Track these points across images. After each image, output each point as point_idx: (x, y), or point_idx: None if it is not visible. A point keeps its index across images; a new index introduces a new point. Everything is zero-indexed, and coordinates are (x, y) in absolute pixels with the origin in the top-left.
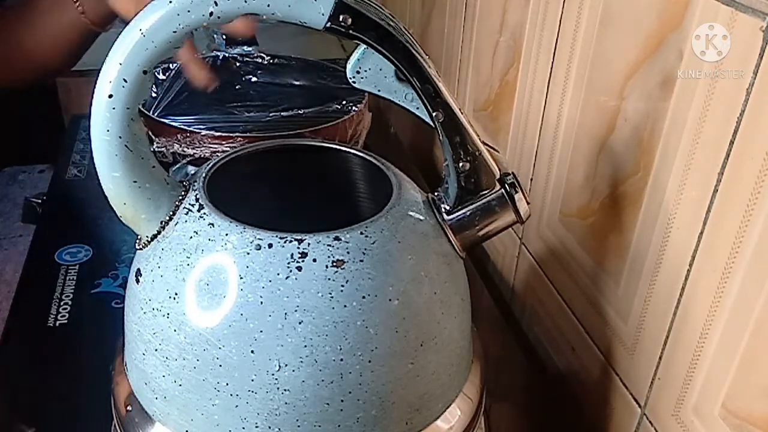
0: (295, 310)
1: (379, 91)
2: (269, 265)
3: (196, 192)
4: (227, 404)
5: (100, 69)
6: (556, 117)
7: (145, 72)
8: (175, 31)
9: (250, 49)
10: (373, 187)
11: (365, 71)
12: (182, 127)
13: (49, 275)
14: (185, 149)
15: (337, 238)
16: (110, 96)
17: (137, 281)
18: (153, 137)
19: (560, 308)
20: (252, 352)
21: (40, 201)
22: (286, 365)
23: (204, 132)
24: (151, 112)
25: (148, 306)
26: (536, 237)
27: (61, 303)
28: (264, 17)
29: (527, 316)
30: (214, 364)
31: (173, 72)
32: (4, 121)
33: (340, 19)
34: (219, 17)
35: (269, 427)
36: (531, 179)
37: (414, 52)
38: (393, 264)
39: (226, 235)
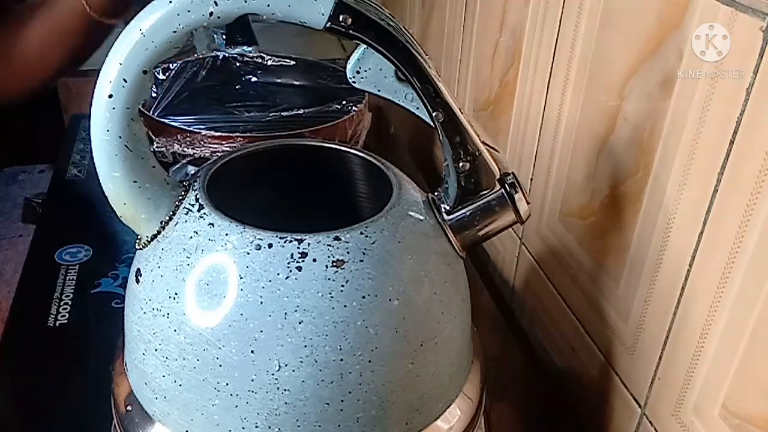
0: (295, 310)
1: (379, 91)
2: (269, 265)
3: (196, 192)
4: (227, 404)
5: (100, 69)
6: (556, 117)
7: (145, 72)
8: (175, 31)
9: (250, 49)
10: (373, 187)
11: (365, 71)
12: (182, 127)
13: (49, 275)
14: (185, 149)
15: (337, 238)
16: (110, 96)
17: (137, 281)
18: (153, 137)
19: (560, 308)
20: (252, 352)
21: (40, 201)
22: (286, 365)
23: (204, 132)
24: (151, 112)
25: (148, 306)
26: (536, 237)
27: (61, 303)
28: (264, 17)
29: (527, 316)
30: (214, 364)
31: (173, 72)
32: (4, 121)
33: (340, 19)
34: (219, 17)
35: (269, 427)
36: (531, 179)
37: (414, 52)
38: (393, 264)
39: (226, 235)
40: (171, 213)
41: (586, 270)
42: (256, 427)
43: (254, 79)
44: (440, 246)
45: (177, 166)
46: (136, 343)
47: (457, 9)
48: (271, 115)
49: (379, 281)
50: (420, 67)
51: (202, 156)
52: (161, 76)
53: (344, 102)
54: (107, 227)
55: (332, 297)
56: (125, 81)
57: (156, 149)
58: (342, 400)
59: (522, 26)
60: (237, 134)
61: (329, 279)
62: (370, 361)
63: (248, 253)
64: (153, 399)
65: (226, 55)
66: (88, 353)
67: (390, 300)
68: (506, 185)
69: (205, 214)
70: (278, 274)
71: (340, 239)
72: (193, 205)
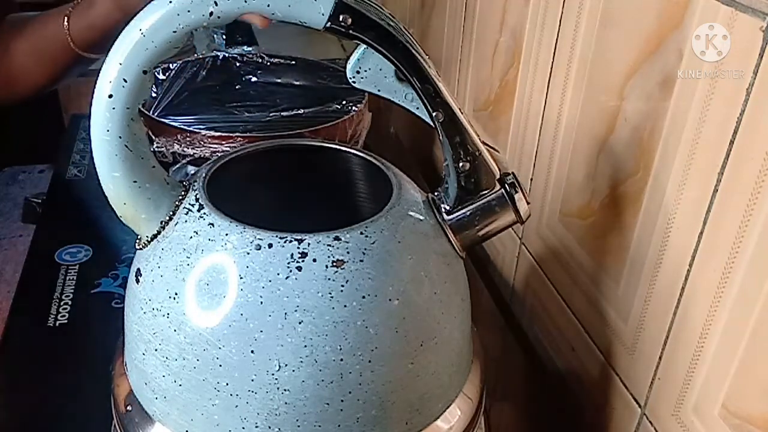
0: (295, 310)
1: (379, 91)
2: (269, 265)
3: (196, 192)
4: (227, 404)
5: (100, 69)
6: (556, 117)
7: (145, 72)
8: (175, 31)
9: (250, 49)
10: (373, 187)
11: (365, 71)
12: (182, 127)
13: (49, 275)
14: (185, 149)
15: (337, 238)
16: (110, 96)
17: (137, 281)
18: (153, 137)
19: (560, 308)
20: (252, 352)
21: (40, 201)
22: (286, 365)
23: (204, 132)
24: (151, 112)
25: (148, 306)
26: (536, 237)
27: (61, 303)
28: (264, 17)
29: (527, 316)
30: (214, 364)
31: (173, 72)
32: (4, 121)
33: (340, 19)
34: (219, 17)
35: (269, 427)
36: (531, 179)
37: (414, 52)
38: (393, 264)
39: (226, 235)
40: (171, 213)
41: (586, 270)
42: (256, 427)
43: (254, 79)
44: (440, 246)
45: (177, 166)
46: (136, 343)
47: (457, 9)
48: (271, 115)
49: (379, 281)
50: (420, 67)
51: (202, 156)
52: (161, 76)
53: (344, 102)
54: (107, 227)
55: (332, 297)
56: (125, 81)
57: (156, 149)
58: (342, 400)
59: (522, 26)
60: (237, 134)
61: (329, 279)
62: (370, 361)
63: (248, 253)
64: (153, 399)
65: (226, 55)
66: (88, 353)
67: (390, 300)
68: (506, 185)
69: (205, 214)
70: (278, 274)
71: (340, 239)
72: (193, 205)
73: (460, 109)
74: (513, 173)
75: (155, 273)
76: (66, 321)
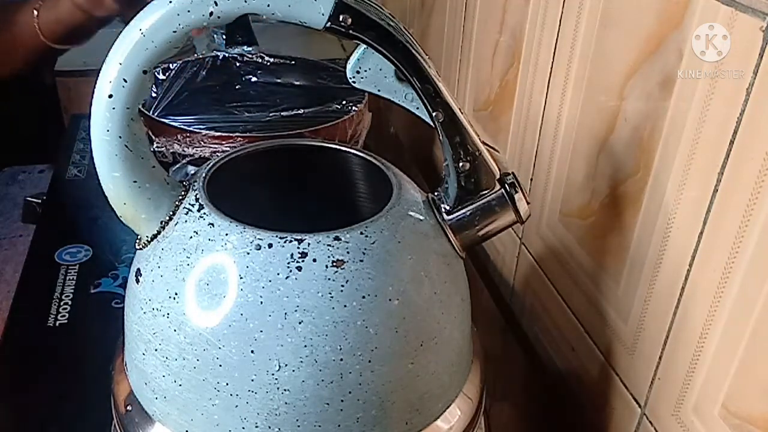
0: (295, 310)
1: (379, 91)
2: (269, 265)
3: (196, 192)
4: (227, 404)
5: (100, 69)
6: (556, 117)
7: (145, 72)
8: (175, 31)
9: (249, 48)
10: (373, 187)
11: (365, 71)
12: (182, 127)
13: (49, 275)
14: (185, 149)
15: (337, 238)
16: (110, 96)
17: (137, 281)
18: (153, 137)
19: (560, 308)
20: (252, 352)
21: (40, 201)
22: (286, 365)
23: (204, 132)
24: (151, 112)
25: (148, 306)
26: (536, 237)
27: (61, 303)
28: (264, 17)
29: (527, 316)
30: (214, 364)
31: (173, 72)
32: (4, 121)
33: (340, 19)
34: (219, 17)
35: (269, 427)
36: (531, 179)
37: (414, 52)
38: (393, 264)
39: (226, 235)
40: (171, 213)
41: (586, 270)
42: (256, 427)
43: (254, 79)
44: (440, 246)
45: (177, 166)
46: (136, 343)
47: (457, 9)
48: (271, 115)
49: (379, 281)
50: (420, 67)
51: (202, 156)
52: (161, 76)
53: (344, 102)
54: (107, 227)
55: (332, 297)
56: (125, 81)
57: (156, 149)
58: (342, 400)
59: (522, 26)
60: (237, 134)
61: (329, 279)
62: (370, 361)
63: (248, 253)
64: (153, 399)
65: (226, 55)
66: (88, 353)
67: (390, 300)
68: (506, 185)
69: (205, 214)
70: (278, 274)
71: (340, 239)
72: (193, 205)
73: (460, 109)
74: (513, 173)
75: (155, 273)
76: (66, 321)
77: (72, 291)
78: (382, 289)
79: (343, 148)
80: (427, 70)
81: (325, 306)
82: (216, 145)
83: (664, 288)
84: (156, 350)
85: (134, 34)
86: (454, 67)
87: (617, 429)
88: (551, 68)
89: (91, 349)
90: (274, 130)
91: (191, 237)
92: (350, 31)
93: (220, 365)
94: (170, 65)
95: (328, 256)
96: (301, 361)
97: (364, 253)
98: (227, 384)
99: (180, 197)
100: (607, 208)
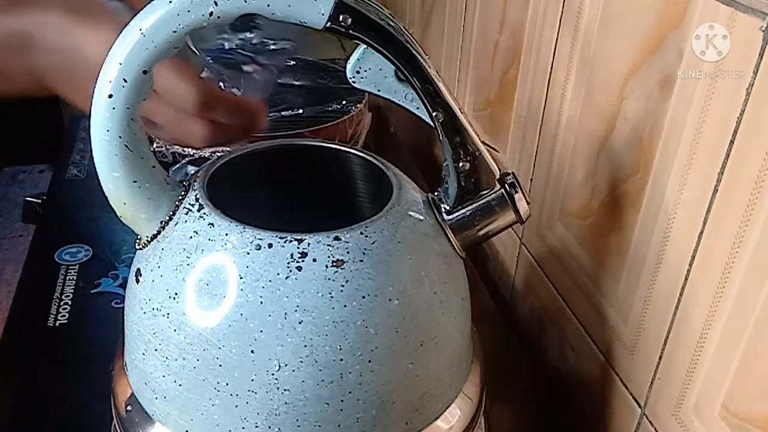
0: (295, 310)
1: (379, 91)
2: (269, 265)
3: (196, 192)
4: (227, 404)
5: (101, 69)
6: (556, 117)
7: (145, 72)
8: (175, 31)
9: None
10: (373, 187)
11: (365, 71)
12: None
13: (49, 275)
14: (185, 149)
15: (337, 238)
16: (110, 96)
17: (137, 281)
18: (153, 137)
19: (560, 308)
20: (252, 352)
21: (40, 201)
22: (286, 365)
23: None
24: None
25: (148, 306)
26: (536, 237)
27: (61, 303)
28: (264, 17)
29: (527, 316)
30: (214, 364)
31: None
32: (4, 121)
33: (340, 19)
34: (219, 17)
35: (269, 427)
36: (531, 179)
37: (414, 52)
38: (393, 264)
39: (226, 235)
40: (171, 213)
41: (586, 270)
42: (256, 427)
43: None
44: (440, 246)
45: (177, 166)
46: (136, 343)
47: (457, 9)
48: (271, 115)
49: (379, 281)
50: (420, 67)
51: (202, 156)
52: None
53: (344, 102)
54: (107, 227)
55: (332, 297)
56: (125, 81)
57: (156, 149)
58: (342, 400)
59: (522, 26)
60: None
61: (329, 279)
62: (370, 361)
63: (248, 253)
64: (153, 399)
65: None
66: (88, 353)
67: (390, 300)
68: (506, 185)
69: (205, 214)
70: (278, 274)
71: (340, 239)
72: (193, 205)
73: (460, 109)
74: (513, 173)
75: (155, 273)
76: (66, 321)
77: (72, 291)
78: (382, 289)
79: (343, 148)
80: (427, 70)
81: (325, 306)
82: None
83: (664, 288)
84: (156, 350)
85: (134, 34)
86: (454, 67)
87: (617, 429)
88: (551, 68)
89: (91, 349)
90: (274, 130)
91: (191, 237)
92: (350, 31)
93: (220, 365)
94: None
95: (328, 256)
96: (301, 361)
97: (364, 253)
98: (227, 384)
99: (180, 197)
100: (607, 208)
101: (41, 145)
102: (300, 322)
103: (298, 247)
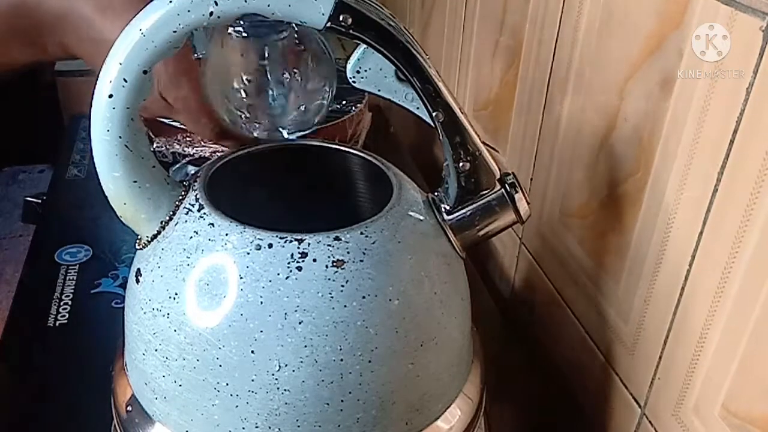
0: (295, 310)
1: (379, 91)
2: (269, 265)
3: (196, 192)
4: (227, 404)
5: (100, 69)
6: (556, 117)
7: (145, 72)
8: (175, 31)
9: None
10: (373, 187)
11: (365, 71)
12: (182, 127)
13: (49, 275)
14: (185, 149)
15: (337, 238)
16: (110, 96)
17: (137, 281)
18: (153, 137)
19: (560, 308)
20: (252, 352)
21: (40, 201)
22: (286, 365)
23: None
24: None
25: (148, 306)
26: (536, 237)
27: (61, 303)
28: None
29: (527, 316)
30: (214, 364)
31: None
32: (4, 121)
33: (340, 19)
34: (219, 17)
35: (269, 427)
36: (531, 179)
37: (414, 52)
38: (393, 264)
39: (226, 235)
40: (171, 213)
41: (586, 270)
42: (256, 427)
43: None
44: (440, 246)
45: (177, 166)
46: (136, 344)
47: (457, 9)
48: None
49: (379, 281)
50: (420, 67)
51: (202, 156)
52: None
53: (344, 102)
54: (107, 227)
55: (332, 297)
56: (125, 81)
57: (156, 149)
58: (342, 400)
59: (522, 26)
60: None
61: (329, 279)
62: (370, 361)
63: (248, 253)
64: (153, 399)
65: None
66: (88, 353)
67: (390, 300)
68: (506, 185)
69: (205, 214)
70: (278, 274)
71: (340, 239)
72: (193, 205)
73: (460, 109)
74: (513, 173)
75: (155, 273)
76: (66, 321)
77: (72, 291)
78: (382, 289)
79: (343, 148)
80: (427, 70)
81: (325, 306)
82: (216, 145)
83: (664, 288)
84: (156, 350)
85: (134, 34)
86: (454, 67)
87: (617, 429)
88: (551, 68)
89: (91, 349)
90: None
91: (191, 237)
92: (350, 31)
93: (220, 365)
94: None
95: (328, 256)
96: (301, 361)
97: (364, 253)
98: (227, 384)
99: (180, 197)
100: (607, 208)
101: (41, 145)
102: (300, 323)
103: (298, 247)
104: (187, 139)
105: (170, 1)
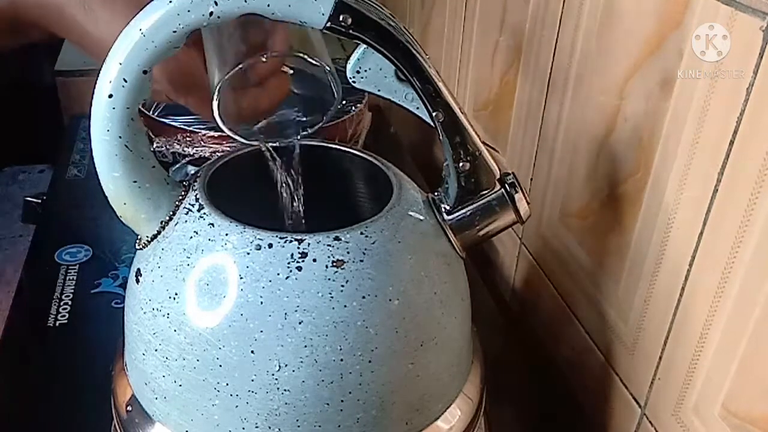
0: (295, 310)
1: (379, 91)
2: (269, 265)
3: (196, 192)
4: (227, 404)
5: (100, 69)
6: (556, 117)
7: (145, 72)
8: (175, 31)
9: None
10: (373, 187)
11: (365, 71)
12: (182, 127)
13: (49, 275)
14: (185, 149)
15: (337, 238)
16: (110, 96)
17: (137, 281)
18: (153, 137)
19: (560, 308)
20: (252, 352)
21: (40, 201)
22: (286, 365)
23: (204, 132)
24: (151, 112)
25: (148, 306)
26: (536, 237)
27: (61, 303)
28: (264, 17)
29: (527, 316)
30: (214, 364)
31: None
32: (4, 121)
33: (340, 19)
34: (219, 17)
35: (269, 427)
36: (531, 179)
37: (414, 52)
38: (393, 264)
39: (226, 235)
40: (171, 213)
41: (586, 270)
42: (256, 427)
43: None
44: (440, 246)
45: (177, 166)
46: (136, 344)
47: (457, 9)
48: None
49: (379, 281)
50: (420, 67)
51: (202, 156)
52: None
53: (344, 102)
54: (107, 227)
55: (332, 297)
56: (125, 81)
57: (156, 149)
58: (342, 401)
59: (522, 26)
60: None
61: (329, 279)
62: (370, 361)
63: (248, 253)
64: (153, 399)
65: None
66: (88, 353)
67: (390, 300)
68: (506, 185)
69: (205, 214)
70: (278, 274)
71: (340, 239)
72: (193, 205)
73: (460, 109)
74: (513, 173)
75: (155, 273)
76: (66, 321)
77: (72, 291)
78: (382, 289)
79: (343, 148)
80: (427, 70)
81: (325, 306)
82: (216, 145)
83: (664, 288)
84: (156, 350)
85: (134, 34)
86: (454, 67)
87: (617, 429)
88: (551, 68)
89: (91, 349)
90: None
91: (191, 237)
92: (350, 31)
93: (220, 365)
94: None
95: (328, 256)
96: (301, 361)
97: (364, 253)
98: (227, 384)
99: (180, 197)
100: (607, 208)
101: (41, 145)
102: (300, 323)
103: (298, 247)
104: (187, 139)
105: (170, 1)
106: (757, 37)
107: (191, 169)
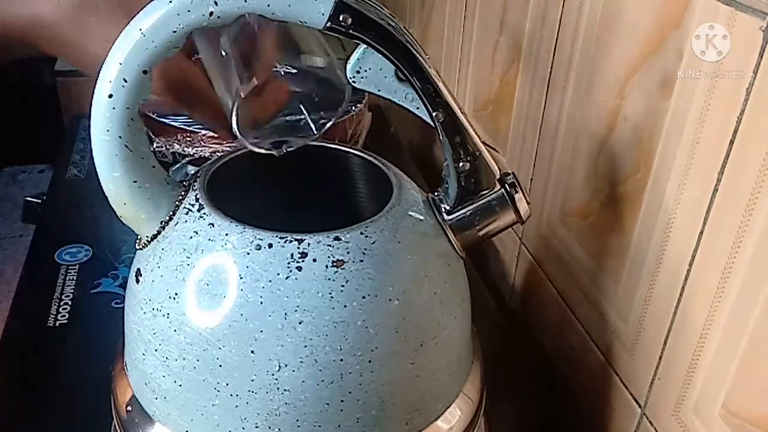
0: (295, 310)
1: (379, 91)
2: (269, 265)
3: (196, 192)
4: (227, 404)
5: (101, 69)
6: (556, 117)
7: (145, 72)
8: (175, 31)
9: None
10: (373, 187)
11: (365, 71)
12: (182, 127)
13: (49, 275)
14: (185, 149)
15: (337, 238)
16: (110, 96)
17: (137, 281)
18: (153, 137)
19: (560, 308)
20: (252, 352)
21: (40, 201)
22: (286, 365)
23: (204, 132)
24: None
25: (148, 306)
26: (536, 237)
27: (61, 303)
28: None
29: (527, 316)
30: (214, 364)
31: None
32: (4, 121)
33: (340, 19)
34: (219, 17)
35: (269, 427)
36: (531, 179)
37: (414, 52)
38: (393, 264)
39: (226, 235)
40: (171, 213)
41: (586, 270)
42: (256, 427)
43: None
44: (440, 246)
45: (177, 166)
46: (136, 344)
47: (457, 9)
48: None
49: (379, 281)
50: (420, 67)
51: (202, 156)
52: None
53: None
54: (107, 227)
55: (332, 297)
56: (125, 81)
57: (156, 149)
58: (342, 401)
59: (522, 26)
60: None
61: (329, 279)
62: (370, 361)
63: (248, 253)
64: (153, 399)
65: None
66: (88, 353)
67: (390, 300)
68: (506, 185)
69: (205, 214)
70: (278, 274)
71: (340, 239)
72: (193, 205)
73: (460, 109)
74: (513, 173)
75: (155, 273)
76: (66, 321)
77: (72, 291)
78: (382, 289)
79: (343, 148)
80: (427, 70)
81: (325, 306)
82: (216, 145)
83: (664, 288)
84: (156, 350)
85: (134, 34)
86: (454, 67)
87: (617, 429)
88: (551, 68)
89: (91, 349)
90: None
91: (191, 237)
92: (350, 31)
93: (220, 365)
94: None
95: (328, 256)
96: (301, 361)
97: (364, 253)
98: (227, 384)
99: (180, 197)
100: (607, 208)
101: (41, 145)
102: (300, 323)
103: (298, 247)
104: (187, 139)
105: (170, 1)
106: (757, 37)
107: (191, 169)
